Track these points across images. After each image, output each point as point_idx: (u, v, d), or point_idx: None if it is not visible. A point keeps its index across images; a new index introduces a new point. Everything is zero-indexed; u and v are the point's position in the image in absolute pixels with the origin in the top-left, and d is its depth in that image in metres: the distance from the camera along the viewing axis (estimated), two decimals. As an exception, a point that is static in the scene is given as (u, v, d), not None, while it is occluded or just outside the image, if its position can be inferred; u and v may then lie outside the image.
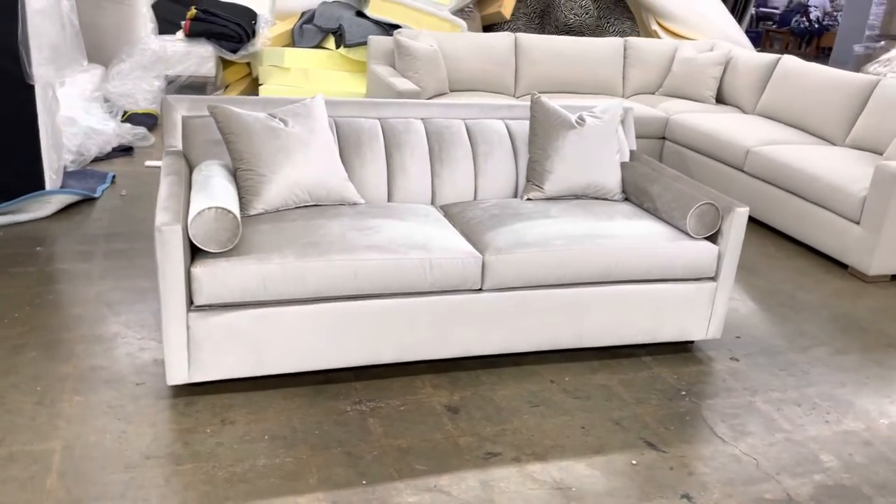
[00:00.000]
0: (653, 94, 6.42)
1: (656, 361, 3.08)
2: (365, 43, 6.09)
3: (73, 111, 5.11)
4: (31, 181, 4.04)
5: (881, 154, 4.76)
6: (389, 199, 3.25)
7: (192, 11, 6.63)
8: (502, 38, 6.05)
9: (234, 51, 6.66)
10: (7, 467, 2.21)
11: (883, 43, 11.57)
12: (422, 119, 3.40)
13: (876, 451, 2.60)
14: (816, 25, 14.92)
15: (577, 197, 3.33)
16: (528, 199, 3.28)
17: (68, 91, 5.33)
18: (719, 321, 3.13)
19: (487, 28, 7.85)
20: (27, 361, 2.75)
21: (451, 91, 5.84)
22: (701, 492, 2.33)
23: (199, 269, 2.47)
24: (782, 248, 4.49)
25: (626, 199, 3.40)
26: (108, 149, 5.26)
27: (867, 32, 11.96)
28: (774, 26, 15.84)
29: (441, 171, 3.31)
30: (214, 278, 2.48)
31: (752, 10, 14.93)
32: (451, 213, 3.18)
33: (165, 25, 7.21)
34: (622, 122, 3.70)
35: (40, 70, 3.89)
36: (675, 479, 2.38)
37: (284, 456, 2.35)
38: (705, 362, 3.11)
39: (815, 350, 3.28)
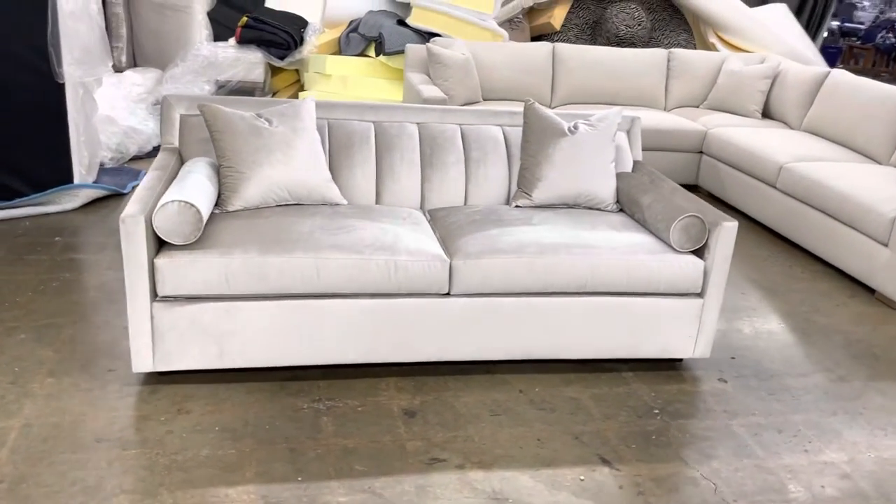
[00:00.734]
0: (697, 107, 6.24)
1: (637, 377, 2.98)
2: (403, 51, 6.15)
3: (116, 111, 5.34)
4: (61, 175, 4.24)
5: (926, 174, 4.47)
6: (378, 201, 3.27)
7: (244, 19, 6.85)
8: (539, 48, 6.00)
9: (282, 57, 6.83)
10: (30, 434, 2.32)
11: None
12: (417, 123, 3.40)
13: (852, 486, 2.44)
14: (904, 42, 14.18)
15: (567, 206, 3.26)
16: (517, 207, 3.24)
17: (114, 92, 5.59)
18: (707, 340, 3.00)
19: (537, 39, 7.81)
20: (15, 343, 2.89)
21: (485, 99, 5.83)
22: (645, 513, 2.24)
23: (162, 261, 2.54)
24: (809, 268, 4.27)
25: (622, 210, 3.30)
26: (149, 148, 5.48)
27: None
28: (859, 42, 15.14)
29: (431, 176, 3.30)
30: (177, 270, 2.55)
31: (832, 25, 14.32)
32: (436, 217, 3.16)
33: (226, 32, 7.46)
34: (628, 132, 3.61)
35: (70, 69, 4.09)
36: (620, 499, 2.29)
37: (228, 448, 2.38)
38: (689, 381, 2.98)
39: (815, 376, 3.10)
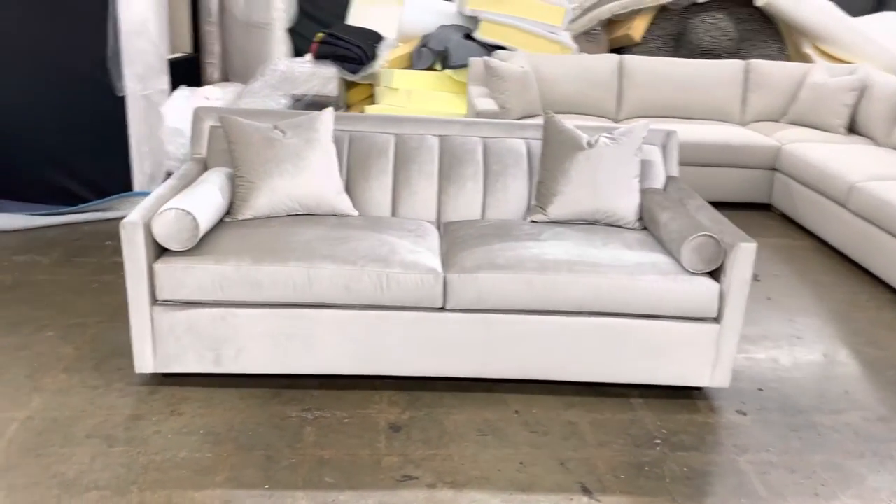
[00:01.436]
0: (777, 121, 5.89)
1: (645, 405, 2.82)
2: (467, 65, 6.14)
3: (186, 123, 5.60)
4: (121, 182, 4.49)
5: None
6: (393, 213, 3.26)
7: (319, 35, 7.05)
8: (605, 60, 5.86)
9: (355, 72, 6.98)
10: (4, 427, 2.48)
11: None
12: (440, 136, 3.37)
13: (862, 537, 2.21)
14: None
15: (586, 222, 3.14)
16: (533, 222, 3.15)
17: (186, 105, 5.86)
18: (726, 368, 2.81)
19: (616, 52, 7.62)
20: (42, 339, 3.07)
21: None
22: (614, 549, 2.11)
23: (159, 266, 2.63)
24: (876, 297, 3.93)
25: (645, 228, 3.15)
26: (217, 159, 5.70)
27: None
28: None
29: (448, 189, 3.27)
30: (173, 275, 2.63)
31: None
32: (448, 230, 3.12)
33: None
34: (663, 146, 3.45)
35: (130, 84, 4.32)
36: (591, 531, 2.17)
37: (207, 451, 2.43)
38: (703, 412, 2.80)
39: (850, 414, 2.84)
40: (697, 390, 2.94)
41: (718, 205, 5.37)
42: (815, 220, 4.75)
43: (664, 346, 2.77)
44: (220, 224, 2.92)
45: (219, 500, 2.21)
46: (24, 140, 4.39)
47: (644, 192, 3.22)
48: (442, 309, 2.73)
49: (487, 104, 5.14)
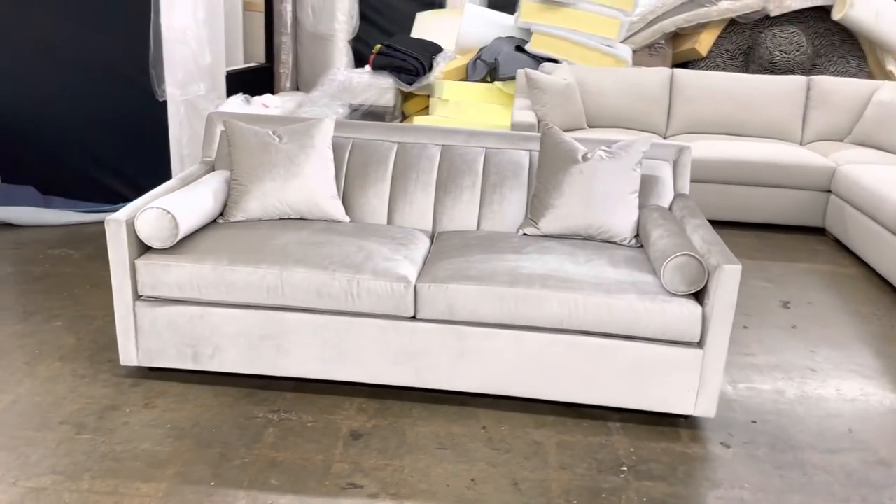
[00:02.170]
0: (840, 140, 5.57)
1: (623, 429, 2.70)
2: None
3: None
4: (161, 182, 4.67)
5: None
6: (389, 221, 3.26)
7: (377, 47, 7.16)
8: (655, 73, 5.69)
9: (410, 83, 7.05)
10: (-42, 408, 2.63)
11: None
12: (442, 146, 3.36)
13: (821, 588, 2.03)
14: None
15: (581, 238, 3.05)
16: (524, 235, 3.09)
17: (243, 110, 6.06)
18: (711, 397, 2.66)
19: (682, 66, 7.40)
20: (49, 328, 3.23)
21: (590, 126, 5.61)
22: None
23: (140, 262, 2.72)
24: (917, 331, 3.64)
25: (641, 246, 3.03)
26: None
27: None
28: None
29: (444, 199, 3.24)
30: (153, 272, 2.71)
31: None
32: (440, 239, 3.10)
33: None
34: (675, 162, 3.31)
35: (171, 88, 4.51)
36: (523, 556, 2.09)
37: (167, 445, 2.49)
38: (683, 441, 2.65)
39: (847, 454, 2.63)
40: (684, 418, 2.79)
41: (768, 227, 5.12)
42: (866, 247, 4.45)
43: (645, 369, 2.65)
44: (211, 225, 3.00)
45: (162, 492, 2.26)
46: (72, 140, 4.65)
47: (645, 208, 3.10)
48: (413, 318, 2.71)
49: (525, 116, 5.08)
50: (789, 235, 5.03)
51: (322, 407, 2.75)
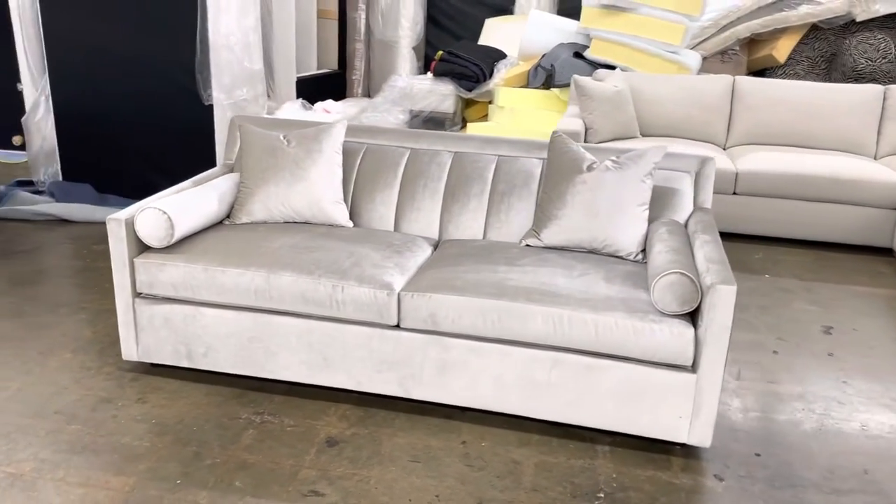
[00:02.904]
0: (921, 155, 5.15)
1: (611, 454, 2.57)
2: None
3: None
4: (205, 185, 4.82)
5: None
6: (396, 228, 3.24)
7: (439, 53, 7.16)
8: (715, 81, 5.44)
9: (470, 89, 7.02)
10: (-33, 392, 2.78)
11: None
12: (455, 153, 3.31)
13: None
14: None
15: (584, 251, 2.93)
16: (527, 246, 2.99)
17: (300, 115, 6.20)
18: (706, 425, 2.49)
19: (759, 74, 7.05)
20: (72, 321, 3.37)
21: (644, 135, 5.42)
22: None
23: (138, 261, 2.80)
24: (974, 366, 3.30)
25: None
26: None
27: None
28: None
29: (451, 206, 3.19)
30: (150, 271, 2.79)
31: None
32: (442, 247, 3.05)
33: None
34: (696, 174, 3.14)
35: (217, 94, 4.65)
36: (466, 579, 2.01)
37: (146, 441, 2.54)
38: (672, 470, 2.50)
39: (854, 497, 2.40)
40: (680, 446, 2.63)
41: (831, 246, 4.79)
42: (931, 271, 4.09)
43: (634, 392, 2.51)
44: (217, 226, 3.06)
45: (129, 487, 2.31)
46: (128, 141, 4.86)
47: (655, 222, 2.95)
48: (397, 327, 2.67)
49: (570, 124, 4.95)
50: (853, 256, 4.69)
51: (307, 412, 2.75)
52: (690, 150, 4.92)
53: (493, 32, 7.98)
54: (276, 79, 7.24)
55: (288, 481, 2.37)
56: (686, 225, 3.01)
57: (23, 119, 4.84)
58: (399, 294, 2.63)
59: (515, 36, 7.71)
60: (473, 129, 6.41)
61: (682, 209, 3.07)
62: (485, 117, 7.42)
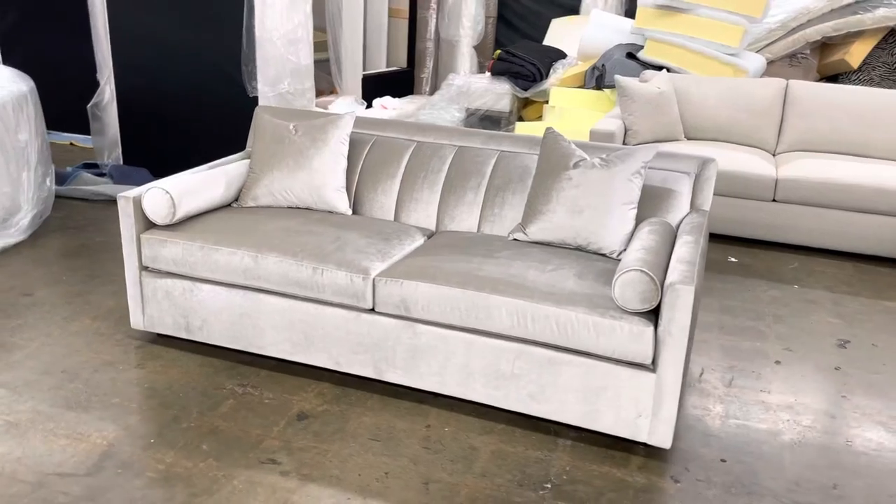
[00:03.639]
0: None
1: (571, 448, 2.58)
2: (622, 84, 5.89)
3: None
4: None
5: None
6: (396, 218, 3.34)
7: (497, 52, 7.21)
8: (766, 84, 5.27)
9: (526, 89, 7.04)
10: (5, 344, 3.07)
11: None
12: (459, 146, 3.38)
13: None
14: None
15: (570, 248, 2.94)
16: (514, 240, 3.03)
17: (354, 110, 6.39)
18: (667, 427, 2.47)
19: (831, 79, 6.77)
20: (101, 291, 3.64)
21: (689, 139, 5.31)
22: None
23: (144, 236, 3.01)
24: None
25: (632, 260, 2.86)
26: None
27: None
28: None
29: (448, 198, 3.26)
30: (153, 246, 2.99)
31: None
32: (433, 238, 3.12)
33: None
34: (696, 176, 3.10)
35: (262, 86, 4.88)
36: (389, 552, 2.08)
37: (132, 402, 2.74)
38: (629, 468, 2.49)
39: (815, 510, 2.33)
40: (644, 446, 2.62)
41: (871, 259, 4.58)
42: (975, 289, 3.85)
43: (596, 388, 2.52)
44: (224, 209, 3.25)
45: (106, 442, 2.51)
46: (181, 129, 5.17)
47: (643, 222, 2.93)
48: (372, 311, 2.77)
49: (607, 125, 4.92)
50: (893, 270, 4.46)
51: (287, 387, 2.89)
52: (737, 155, 4.80)
53: (559, 32, 7.96)
54: (343, 75, 7.48)
55: (251, 449, 2.51)
56: (678, 226, 2.97)
57: (88, 106, 5.22)
58: (374, 279, 2.73)
59: (579, 36, 7.66)
60: (521, 128, 6.43)
61: (678, 210, 3.03)
62: (541, 117, 7.41)
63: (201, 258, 2.92)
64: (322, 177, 3.23)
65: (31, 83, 4.46)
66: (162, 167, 5.26)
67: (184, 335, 3.07)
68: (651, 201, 3.03)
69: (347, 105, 6.44)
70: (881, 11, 6.31)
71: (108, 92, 5.20)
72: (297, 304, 2.84)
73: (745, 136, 5.25)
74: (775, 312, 3.77)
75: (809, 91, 5.17)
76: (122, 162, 5.40)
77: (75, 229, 4.47)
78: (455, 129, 3.45)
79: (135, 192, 3.01)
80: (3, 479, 2.30)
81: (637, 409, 2.49)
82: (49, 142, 4.64)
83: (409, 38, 8.84)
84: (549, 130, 3.07)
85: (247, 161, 3.44)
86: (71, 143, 6.50)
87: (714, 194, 4.74)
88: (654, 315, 2.48)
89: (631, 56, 6.19)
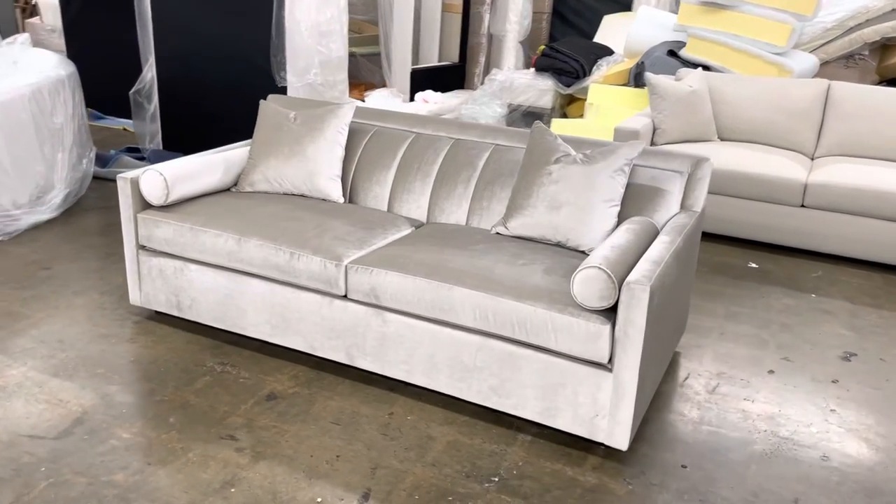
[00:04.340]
0: None
1: (529, 444, 2.57)
2: (659, 82, 5.76)
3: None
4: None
5: None
6: (389, 209, 3.37)
7: (541, 48, 7.15)
8: (807, 85, 5.06)
9: (569, 85, 6.96)
10: (13, 313, 3.25)
11: None
12: (456, 139, 3.39)
13: None
14: None
15: (551, 244, 2.92)
16: (497, 233, 3.02)
17: (392, 104, 6.45)
18: (624, 429, 2.43)
19: (891, 82, 6.44)
20: (114, 269, 3.81)
21: (723, 139, 5.16)
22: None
23: (140, 216, 3.14)
24: None
25: (611, 259, 2.82)
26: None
27: None
28: None
29: (439, 191, 3.28)
30: (147, 226, 3.12)
31: None
32: (419, 228, 3.15)
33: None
34: (689, 176, 3.02)
35: (290, 77, 5.00)
36: (319, 531, 2.13)
37: (115, 373, 2.87)
38: (583, 467, 2.46)
39: (767, 523, 2.25)
40: (604, 448, 2.57)
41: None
42: None
43: (555, 385, 2.50)
44: (221, 193, 3.35)
45: (82, 409, 2.63)
46: (215, 117, 5.34)
47: (626, 220, 2.88)
48: (345, 297, 2.81)
49: (634, 123, 4.83)
50: (936, 284, 4.22)
51: (265, 368, 2.96)
52: (767, 157, 4.63)
53: (610, 29, 7.84)
54: (392, 69, 7.57)
55: (214, 424, 2.59)
56: (664, 227, 2.90)
57: (131, 92, 5.45)
58: (346, 266, 2.77)
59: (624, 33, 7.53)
60: (556, 125, 6.36)
61: (665, 210, 2.96)
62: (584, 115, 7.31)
63: (190, 239, 3.03)
64: (315, 164, 3.29)
65: (73, 69, 4.69)
66: (196, 152, 5.45)
67: (175, 313, 3.19)
68: (638, 200, 2.97)
69: (384, 97, 6.51)
70: (947, 11, 5.97)
71: (150, 79, 5.41)
72: (277, 287, 2.91)
73: (781, 138, 5.06)
74: (784, 321, 3.63)
75: (853, 93, 4.94)
76: (161, 147, 5.61)
77: (106, 209, 4.68)
78: (453, 121, 3.46)
79: (133, 173, 3.14)
80: (-22, 437, 2.45)
81: (595, 409, 2.46)
82: (88, 124, 4.87)
83: (461, 32, 8.85)
84: (536, 124, 3.05)
85: (246, 149, 3.53)
86: (124, 129, 6.78)
87: (739, 197, 4.59)
88: (613, 314, 2.43)
89: (672, 54, 6.04)
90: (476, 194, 3.21)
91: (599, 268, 2.35)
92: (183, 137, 5.51)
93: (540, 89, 7.11)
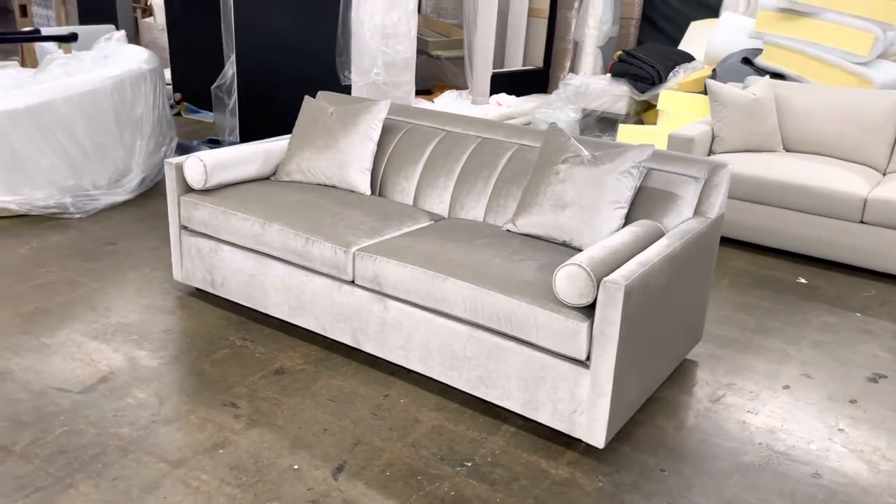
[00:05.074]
0: None
1: (511, 434, 2.63)
2: (729, 90, 5.61)
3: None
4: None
5: None
6: (414, 203, 3.50)
7: (617, 53, 7.09)
8: (880, 97, 4.82)
9: (644, 91, 6.87)
10: (74, 282, 3.59)
11: None
12: (483, 138, 3.48)
13: None
14: None
15: (557, 243, 2.96)
16: (507, 231, 3.09)
17: (458, 105, 6.58)
18: (600, 426, 2.46)
19: None
20: (155, 255, 4.11)
21: (789, 150, 4.99)
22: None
23: (183, 198, 3.40)
24: None
25: (612, 260, 2.83)
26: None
27: None
28: None
29: (461, 187, 3.38)
30: (188, 208, 3.38)
31: None
32: (437, 221, 3.26)
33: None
34: (705, 182, 2.99)
35: (354, 76, 5.22)
36: (295, 501, 2.27)
37: (148, 341, 3.13)
38: (557, 461, 2.50)
39: (732, 532, 2.23)
40: (585, 445, 2.60)
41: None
42: None
43: (537, 379, 2.55)
44: (260, 181, 3.58)
45: (109, 368, 2.90)
46: (285, 112, 5.62)
47: (634, 223, 2.88)
48: (352, 283, 2.96)
49: (689, 131, 4.75)
50: None
51: (280, 346, 3.15)
52: (829, 170, 4.45)
53: (696, 35, 7.68)
54: (473, 72, 7.71)
55: (220, 392, 2.79)
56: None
57: (212, 87, 5.83)
58: (353, 253, 2.92)
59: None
60: (623, 131, 6.30)
61: (676, 215, 2.94)
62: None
63: (223, 221, 3.26)
64: (347, 157, 3.46)
65: (156, 63, 5.08)
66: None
67: (210, 290, 3.43)
68: (648, 203, 2.97)
69: (452, 99, 6.65)
70: None
71: (231, 75, 5.77)
72: (294, 270, 3.10)
73: (851, 151, 4.84)
74: (817, 338, 3.51)
75: (931, 106, 4.66)
76: (238, 140, 5.96)
77: (178, 194, 5.04)
78: (483, 120, 3.55)
79: (178, 159, 3.41)
80: (16, 386, 2.75)
81: (573, 405, 2.49)
82: (183, 117, 5.25)
83: (547, 37, 8.88)
84: (551, 125, 3.09)
85: (288, 141, 3.75)
86: (213, 123, 7.23)
87: (795, 210, 4.43)
88: (589, 310, 2.46)
89: (747, 61, 5.88)
90: (494, 192, 3.29)
91: (580, 265, 2.39)
92: (257, 130, 5.84)
93: (615, 95, 7.06)
